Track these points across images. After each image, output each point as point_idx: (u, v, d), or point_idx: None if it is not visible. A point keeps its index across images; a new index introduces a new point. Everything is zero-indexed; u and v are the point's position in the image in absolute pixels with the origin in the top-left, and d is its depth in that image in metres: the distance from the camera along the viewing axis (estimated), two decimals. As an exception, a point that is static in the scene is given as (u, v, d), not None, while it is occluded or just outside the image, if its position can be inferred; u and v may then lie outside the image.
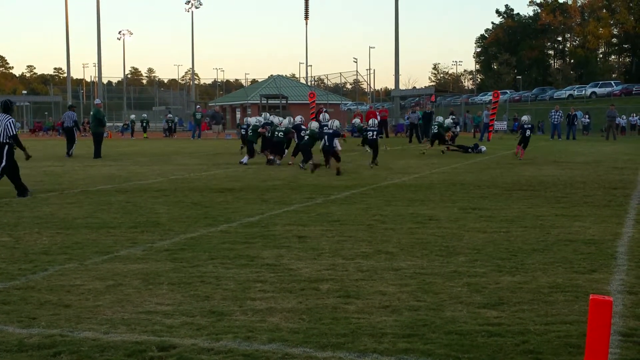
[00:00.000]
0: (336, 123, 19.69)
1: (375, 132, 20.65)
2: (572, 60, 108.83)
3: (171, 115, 54.02)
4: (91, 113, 25.09)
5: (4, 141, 12.51)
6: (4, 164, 12.46)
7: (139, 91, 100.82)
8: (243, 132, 22.95)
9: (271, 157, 20.91)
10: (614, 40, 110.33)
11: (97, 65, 68.33)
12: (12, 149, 12.65)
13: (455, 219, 9.76)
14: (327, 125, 20.25)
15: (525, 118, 24.92)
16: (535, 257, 7.16)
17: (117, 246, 7.87)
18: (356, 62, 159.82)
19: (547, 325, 4.90)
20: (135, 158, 24.77)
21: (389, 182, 15.19)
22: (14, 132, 12.68)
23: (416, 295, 5.69)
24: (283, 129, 21.28)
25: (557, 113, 40.91)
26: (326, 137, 18.64)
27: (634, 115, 50.49)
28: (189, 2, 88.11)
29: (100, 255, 7.34)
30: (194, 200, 11.98)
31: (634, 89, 72.28)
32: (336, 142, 18.71)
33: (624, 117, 52.00)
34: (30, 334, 4.75)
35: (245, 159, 21.01)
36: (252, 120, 22.50)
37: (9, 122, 12.58)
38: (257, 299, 5.60)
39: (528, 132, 23.25)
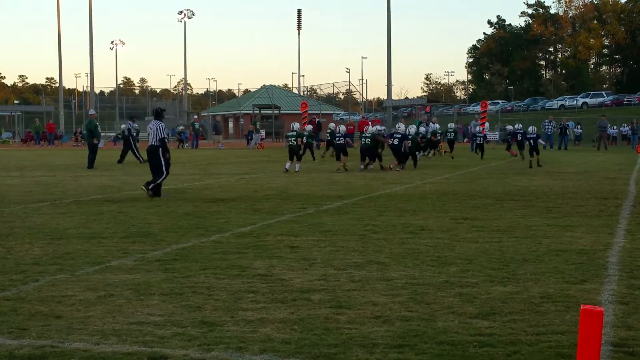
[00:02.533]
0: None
1: (368, 139, 22.29)
2: (563, 71, 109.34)
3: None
4: (83, 124, 25.18)
5: (157, 144, 14.28)
6: (161, 163, 14.27)
7: (131, 101, 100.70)
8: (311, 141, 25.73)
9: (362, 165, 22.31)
10: (605, 51, 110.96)
11: (89, 75, 68.34)
12: (166, 151, 14.45)
13: (447, 229, 9.77)
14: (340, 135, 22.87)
15: (530, 128, 25.53)
16: (526, 267, 7.18)
17: (108, 256, 7.85)
18: (349, 72, 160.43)
19: (538, 335, 4.91)
20: (127, 168, 24.73)
21: (381, 192, 15.21)
22: (163, 136, 14.47)
23: (408, 306, 5.69)
24: (369, 135, 22.50)
25: (551, 123, 41.09)
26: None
27: (625, 125, 50.68)
28: (182, 12, 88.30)
29: (92, 266, 7.32)
30: (186, 211, 11.97)
31: (625, 99, 72.73)
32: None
33: (615, 128, 52.22)
34: (21, 345, 4.73)
35: (297, 166, 22.10)
36: (296, 125, 23.55)
37: (159, 127, 14.32)
38: (248, 310, 5.59)
39: (532, 142, 24.22)
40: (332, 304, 5.76)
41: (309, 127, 25.78)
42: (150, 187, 14.11)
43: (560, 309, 5.56)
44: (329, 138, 26.13)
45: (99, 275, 6.86)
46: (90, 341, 4.80)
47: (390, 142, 22.39)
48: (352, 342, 4.76)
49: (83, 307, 5.68)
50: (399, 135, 22.36)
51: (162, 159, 14.31)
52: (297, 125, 23.29)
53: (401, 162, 22.08)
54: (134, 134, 28.33)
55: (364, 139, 22.45)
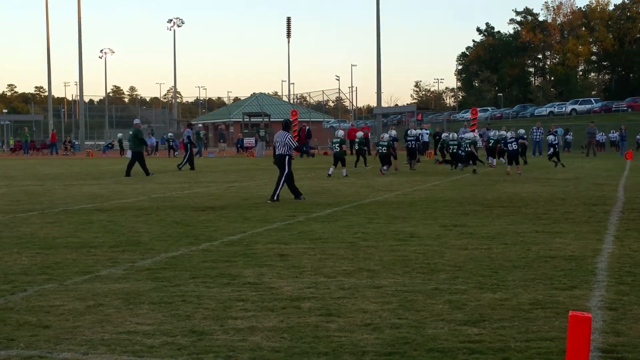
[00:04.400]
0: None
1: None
2: (552, 78, 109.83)
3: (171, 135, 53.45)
4: (130, 133, 26.28)
5: (286, 153, 15.08)
6: (287, 171, 14.96)
7: (120, 109, 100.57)
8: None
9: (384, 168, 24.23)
10: (593, 57, 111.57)
11: (78, 83, 68.20)
12: (291, 160, 15.26)
13: (436, 236, 9.79)
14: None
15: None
16: (516, 273, 7.19)
17: (97, 266, 7.82)
18: (338, 79, 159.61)
19: (527, 342, 4.92)
20: (117, 177, 24.67)
21: (371, 199, 15.22)
22: (294, 146, 15.49)
23: (397, 313, 5.69)
24: (385, 143, 24.42)
25: (539, 130, 41.22)
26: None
27: (614, 131, 50.95)
28: (171, 20, 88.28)
29: (81, 275, 7.29)
30: (176, 219, 11.95)
31: (613, 106, 73.14)
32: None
33: (604, 134, 52.49)
34: (9, 356, 4.70)
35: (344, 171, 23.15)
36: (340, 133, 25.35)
37: (289, 138, 15.20)
38: (238, 318, 5.58)
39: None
40: (321, 311, 5.76)
41: (360, 134, 27.75)
42: (274, 197, 14.85)
43: (549, 316, 5.58)
44: (357, 148, 27.69)
45: (87, 285, 6.83)
46: (78, 351, 4.78)
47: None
48: (342, 350, 4.76)
49: (72, 317, 5.65)
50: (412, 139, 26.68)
51: (287, 168, 15.02)
52: (341, 132, 25.11)
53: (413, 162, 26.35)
54: (193, 141, 28.83)
55: (380, 147, 24.53)
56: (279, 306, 5.94)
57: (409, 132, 29.36)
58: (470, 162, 25.45)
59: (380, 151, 24.62)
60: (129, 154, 29.09)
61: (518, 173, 22.91)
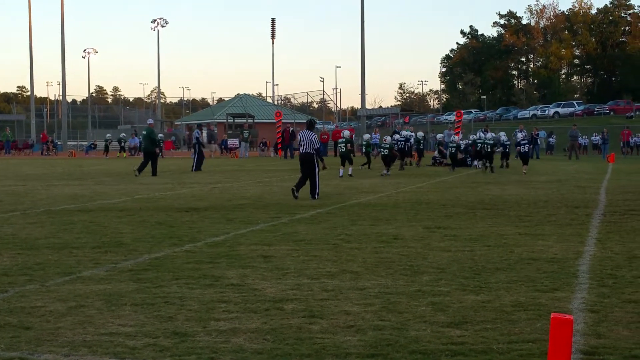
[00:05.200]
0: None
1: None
2: (535, 81, 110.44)
3: (162, 134, 53.04)
4: (144, 132, 26.00)
5: (311, 152, 15.74)
6: (316, 169, 15.70)
7: (103, 110, 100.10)
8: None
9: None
10: (576, 61, 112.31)
11: (61, 83, 67.84)
12: (316, 158, 15.91)
13: (420, 238, 9.81)
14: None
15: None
16: (498, 275, 7.22)
17: (79, 267, 7.77)
18: (323, 81, 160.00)
19: (510, 344, 4.94)
20: (99, 177, 24.55)
21: (355, 201, 15.23)
22: (318, 146, 16.11)
23: (380, 315, 5.70)
24: (388, 145, 25.29)
25: (522, 133, 41.38)
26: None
27: (596, 135, 51.32)
28: (155, 20, 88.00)
29: (62, 276, 7.25)
30: (159, 220, 11.90)
31: (596, 109, 73.66)
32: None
33: (586, 137, 52.84)
34: (-11, 357, 4.66)
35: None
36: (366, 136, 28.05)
37: (313, 137, 15.90)
38: (221, 320, 5.57)
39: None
40: (304, 313, 5.75)
41: (367, 136, 28.63)
42: (315, 195, 15.60)
43: (531, 317, 5.60)
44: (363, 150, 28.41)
45: (69, 286, 6.79)
46: (60, 352, 4.75)
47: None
48: (324, 352, 4.76)
49: (53, 318, 5.62)
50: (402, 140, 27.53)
51: (316, 166, 15.77)
52: (346, 133, 25.99)
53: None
54: (202, 142, 29.08)
55: (382, 149, 25.23)
56: (262, 308, 5.93)
57: (400, 133, 29.86)
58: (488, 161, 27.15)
59: (382, 153, 25.29)
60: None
61: (525, 172, 24.67)
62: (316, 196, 15.63)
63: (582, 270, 7.46)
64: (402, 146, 28.77)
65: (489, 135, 28.82)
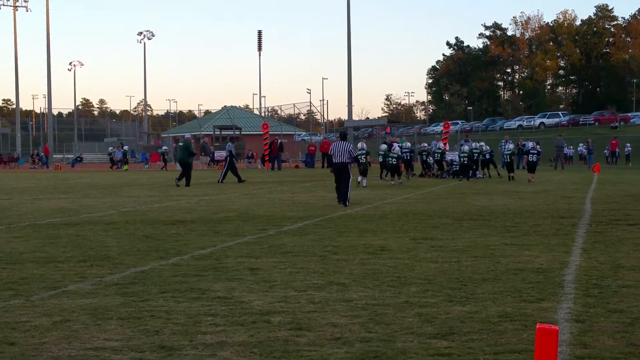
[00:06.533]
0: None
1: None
2: (521, 92, 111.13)
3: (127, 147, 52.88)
4: (180, 144, 28.01)
5: (347, 161, 17.03)
6: (350, 177, 17.11)
7: (90, 122, 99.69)
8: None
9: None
10: (561, 72, 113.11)
11: (47, 96, 67.48)
12: (349, 167, 17.25)
13: (407, 249, 9.82)
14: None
15: (472, 144, 26.71)
16: (485, 286, 7.24)
17: (65, 281, 7.73)
18: (309, 93, 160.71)
19: (496, 354, 4.95)
20: (85, 190, 24.45)
21: (342, 212, 15.24)
22: (355, 155, 17.91)
23: (367, 327, 5.70)
24: (396, 155, 26.32)
25: (507, 143, 41.57)
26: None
27: (581, 145, 51.61)
28: (141, 33, 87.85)
29: (48, 291, 7.20)
30: (145, 233, 11.86)
31: (581, 119, 74.19)
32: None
33: (571, 147, 53.13)
34: (-27, 373, 4.62)
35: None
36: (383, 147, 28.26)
37: (350, 147, 17.18)
38: (207, 333, 5.55)
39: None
40: (292, 326, 5.74)
41: (384, 146, 28.78)
42: (346, 202, 16.74)
43: (518, 328, 5.62)
44: (381, 160, 28.37)
45: (54, 301, 6.75)
46: (45, 368, 4.71)
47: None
48: (311, 365, 4.75)
49: (38, 333, 5.58)
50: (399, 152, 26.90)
51: (350, 174, 17.06)
52: (364, 145, 27.33)
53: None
54: (235, 155, 30.06)
55: (390, 159, 26.16)
56: (248, 320, 5.92)
57: (403, 145, 30.37)
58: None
59: (390, 162, 26.16)
60: (178, 166, 31.12)
61: (531, 180, 26.32)
62: (347, 203, 16.69)
63: (567, 280, 7.50)
64: (407, 157, 29.06)
65: (481, 145, 30.18)
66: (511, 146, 30.78)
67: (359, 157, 24.75)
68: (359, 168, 24.26)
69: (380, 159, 27.65)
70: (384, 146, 28.29)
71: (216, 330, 5.64)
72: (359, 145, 27.26)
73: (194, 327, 5.72)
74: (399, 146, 27.81)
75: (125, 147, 50.68)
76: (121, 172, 44.89)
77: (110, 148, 52.67)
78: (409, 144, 31.57)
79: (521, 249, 9.71)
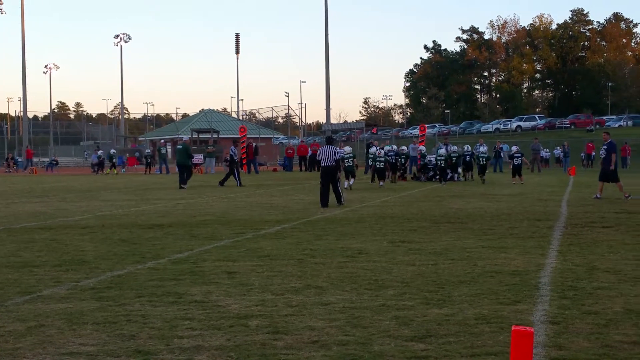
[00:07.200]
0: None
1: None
2: (498, 95, 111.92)
3: (114, 151, 52.28)
4: (179, 147, 28.89)
5: (333, 165, 17.72)
6: (339, 178, 18.06)
7: (66, 126, 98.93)
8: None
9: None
10: (538, 75, 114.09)
11: (22, 99, 66.95)
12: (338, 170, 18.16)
13: (384, 252, 9.84)
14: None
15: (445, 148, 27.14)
16: (462, 289, 7.27)
17: (40, 286, 7.66)
18: (288, 96, 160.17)
19: (472, 356, 4.97)
20: (61, 194, 24.25)
21: (320, 215, 15.24)
22: (340, 157, 19.23)
23: (345, 330, 5.70)
24: (383, 158, 27.01)
25: (482, 146, 41.80)
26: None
27: (557, 148, 52.03)
28: (118, 36, 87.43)
29: (22, 296, 7.13)
30: (122, 237, 11.78)
31: (557, 122, 74.85)
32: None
33: (547, 150, 53.54)
34: (-54, 380, 4.56)
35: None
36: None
37: (336, 150, 18.14)
38: (184, 337, 5.52)
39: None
40: (269, 329, 5.73)
41: (373, 149, 28.80)
42: (341, 200, 17.78)
43: (494, 330, 5.65)
44: (370, 163, 28.71)
45: (29, 305, 6.68)
46: (19, 374, 4.67)
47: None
48: (288, 368, 4.74)
49: (12, 339, 5.52)
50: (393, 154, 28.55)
51: (338, 176, 17.96)
52: (348, 148, 27.29)
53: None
54: (236, 158, 30.13)
55: (379, 162, 26.70)
56: (226, 324, 5.90)
57: (389, 148, 30.56)
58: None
59: (378, 166, 26.62)
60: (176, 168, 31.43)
61: (521, 182, 27.32)
62: (342, 201, 17.72)
63: (543, 283, 7.54)
64: (392, 160, 29.09)
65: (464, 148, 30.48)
66: (482, 148, 30.83)
67: (347, 160, 25.24)
68: (343, 169, 24.53)
69: (370, 162, 27.75)
70: (373, 149, 28.33)
71: (193, 334, 5.62)
72: (346, 149, 27.39)
73: (170, 332, 5.69)
74: (380, 149, 27.93)
75: (112, 151, 50.14)
76: (102, 176, 44.60)
77: (100, 152, 52.07)
78: (394, 147, 31.58)
79: (498, 252, 9.76)
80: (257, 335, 5.57)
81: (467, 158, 30.73)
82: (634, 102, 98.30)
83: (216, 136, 58.87)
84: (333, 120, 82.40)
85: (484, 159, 29.82)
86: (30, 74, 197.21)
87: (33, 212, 16.85)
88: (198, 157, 50.11)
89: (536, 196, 20.57)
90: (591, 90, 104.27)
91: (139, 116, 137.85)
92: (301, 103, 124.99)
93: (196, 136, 60.60)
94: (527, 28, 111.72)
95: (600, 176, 19.53)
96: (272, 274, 8.20)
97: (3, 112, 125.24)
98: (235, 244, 10.81)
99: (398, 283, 7.61)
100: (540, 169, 43.66)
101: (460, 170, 31.09)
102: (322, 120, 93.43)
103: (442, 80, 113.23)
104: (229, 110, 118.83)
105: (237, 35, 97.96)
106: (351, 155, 26.20)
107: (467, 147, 31.03)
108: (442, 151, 30.04)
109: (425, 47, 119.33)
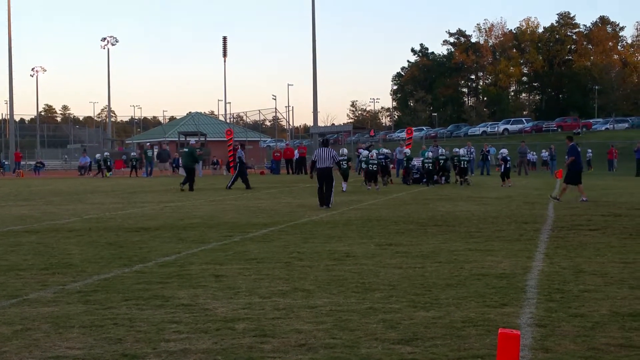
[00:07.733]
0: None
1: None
2: (485, 98, 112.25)
3: (107, 154, 52.04)
4: (186, 150, 29.41)
5: (331, 166, 18.25)
6: (334, 181, 18.41)
7: (53, 129, 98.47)
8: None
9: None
10: (524, 78, 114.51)
11: (8, 102, 66.62)
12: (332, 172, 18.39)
13: (371, 255, 9.85)
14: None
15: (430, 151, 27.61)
16: (449, 292, 7.29)
17: (26, 289, 7.62)
18: (275, 99, 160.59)
19: (459, 359, 4.98)
20: (48, 197, 24.14)
21: (307, 218, 15.24)
22: (337, 160, 19.73)
23: (332, 333, 5.70)
24: (376, 161, 26.78)
25: (470, 149, 41.97)
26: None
27: (544, 151, 52.24)
28: (105, 39, 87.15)
29: (8, 299, 7.09)
30: (109, 240, 11.74)
31: (544, 125, 75.20)
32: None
33: (534, 153, 53.78)
34: None
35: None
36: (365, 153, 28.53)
37: (333, 153, 18.57)
38: (171, 341, 5.51)
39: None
40: (256, 332, 5.73)
41: (365, 152, 28.84)
42: (329, 204, 17.98)
43: (481, 333, 5.66)
44: (364, 166, 28.47)
45: (15, 309, 6.65)
46: (4, 378, 4.64)
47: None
48: (275, 372, 4.73)
49: (-2, 343, 5.49)
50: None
51: (333, 178, 18.29)
52: (345, 150, 28.45)
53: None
54: (245, 161, 30.48)
55: (371, 165, 26.32)
56: (212, 328, 5.89)
57: (380, 151, 30.64)
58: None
59: (369, 169, 26.47)
60: (181, 170, 32.62)
61: (509, 185, 27.71)
62: (330, 205, 17.99)
63: (530, 285, 7.57)
64: (384, 163, 29.19)
65: (461, 151, 30.97)
66: (462, 151, 30.97)
67: (342, 162, 25.34)
68: (340, 172, 25.03)
69: (363, 165, 27.79)
70: (365, 152, 28.33)
71: (180, 337, 5.60)
72: (342, 151, 27.64)
73: (157, 335, 5.67)
74: (370, 152, 27.97)
75: (106, 154, 49.91)
76: (89, 179, 44.44)
77: (98, 155, 51.70)
78: (385, 150, 31.69)
79: (485, 255, 9.79)
80: (244, 338, 5.56)
81: (442, 161, 30.63)
82: (620, 105, 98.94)
83: (203, 139, 58.70)
84: (320, 123, 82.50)
85: (465, 162, 30.19)
86: (17, 77, 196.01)
87: (19, 216, 16.76)
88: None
89: (523, 199, 20.65)
90: (578, 93, 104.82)
91: (126, 119, 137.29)
92: (288, 106, 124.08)
93: (183, 139, 60.38)
94: (514, 31, 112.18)
95: (571, 180, 19.96)
96: (259, 277, 8.19)
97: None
98: (223, 247, 10.79)
99: (385, 286, 7.62)
100: (528, 172, 43.82)
101: (448, 173, 31.14)
102: (310, 123, 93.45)
103: (430, 83, 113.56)
104: (216, 113, 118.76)
105: (225, 38, 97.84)
106: (345, 157, 26.44)
107: (462, 150, 30.93)
108: (429, 154, 30.11)
109: (413, 50, 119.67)
